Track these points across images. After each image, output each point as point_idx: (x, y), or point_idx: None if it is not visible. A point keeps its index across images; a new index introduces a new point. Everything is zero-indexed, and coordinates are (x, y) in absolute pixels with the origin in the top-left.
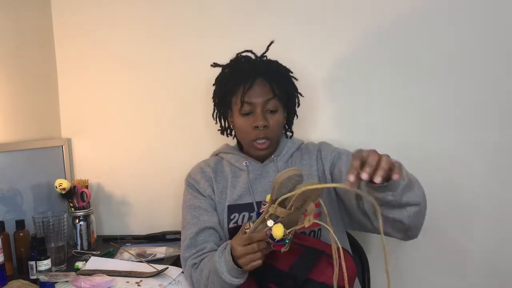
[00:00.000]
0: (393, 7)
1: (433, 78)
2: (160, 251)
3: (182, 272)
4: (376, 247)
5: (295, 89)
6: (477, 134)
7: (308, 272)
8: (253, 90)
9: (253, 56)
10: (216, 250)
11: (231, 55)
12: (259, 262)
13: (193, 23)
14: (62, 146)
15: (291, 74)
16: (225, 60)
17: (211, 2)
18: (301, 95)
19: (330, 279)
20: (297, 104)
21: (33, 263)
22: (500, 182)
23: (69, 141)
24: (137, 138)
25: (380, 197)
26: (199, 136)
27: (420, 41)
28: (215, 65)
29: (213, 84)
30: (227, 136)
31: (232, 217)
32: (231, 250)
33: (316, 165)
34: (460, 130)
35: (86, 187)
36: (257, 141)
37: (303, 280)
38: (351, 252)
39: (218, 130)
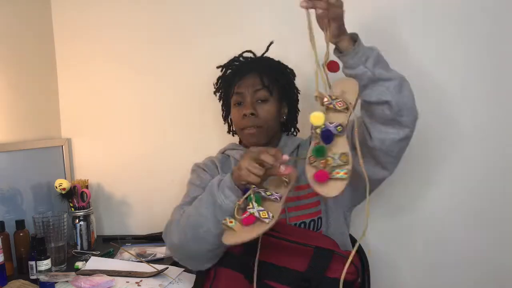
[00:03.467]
0: (391, 5)
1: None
2: (160, 251)
3: (184, 271)
4: (375, 246)
5: (290, 83)
6: None
7: (323, 274)
8: (244, 81)
9: (252, 56)
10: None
11: (233, 54)
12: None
13: (194, 22)
14: (62, 146)
15: (288, 70)
16: (227, 60)
17: (214, 2)
18: (297, 90)
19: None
20: (296, 100)
21: (33, 263)
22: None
23: (69, 141)
24: (137, 138)
25: (356, 74)
26: (200, 137)
27: (421, 41)
28: (220, 67)
29: (215, 84)
30: (233, 136)
31: None
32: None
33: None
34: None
35: (86, 187)
36: (246, 130)
37: (319, 280)
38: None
39: (228, 126)
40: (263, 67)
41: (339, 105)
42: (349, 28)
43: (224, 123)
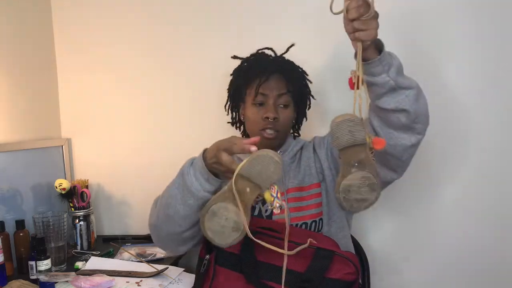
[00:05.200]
0: (408, 7)
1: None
2: (160, 251)
3: (184, 270)
4: (376, 247)
5: (308, 90)
6: None
7: (323, 274)
8: (269, 82)
9: (272, 54)
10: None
11: (230, 55)
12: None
13: (193, 23)
14: (62, 146)
15: (306, 75)
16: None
17: (213, 6)
18: (313, 97)
19: (344, 276)
20: (308, 106)
21: (33, 263)
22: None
23: (69, 141)
24: (137, 138)
25: (378, 82)
26: (201, 137)
27: (429, 41)
28: (234, 57)
29: (231, 74)
30: (236, 129)
31: None
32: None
33: (314, 157)
34: None
35: (86, 187)
36: (266, 131)
37: (319, 281)
38: (354, 252)
39: (228, 122)
40: (288, 70)
41: None
42: None
43: (227, 114)
